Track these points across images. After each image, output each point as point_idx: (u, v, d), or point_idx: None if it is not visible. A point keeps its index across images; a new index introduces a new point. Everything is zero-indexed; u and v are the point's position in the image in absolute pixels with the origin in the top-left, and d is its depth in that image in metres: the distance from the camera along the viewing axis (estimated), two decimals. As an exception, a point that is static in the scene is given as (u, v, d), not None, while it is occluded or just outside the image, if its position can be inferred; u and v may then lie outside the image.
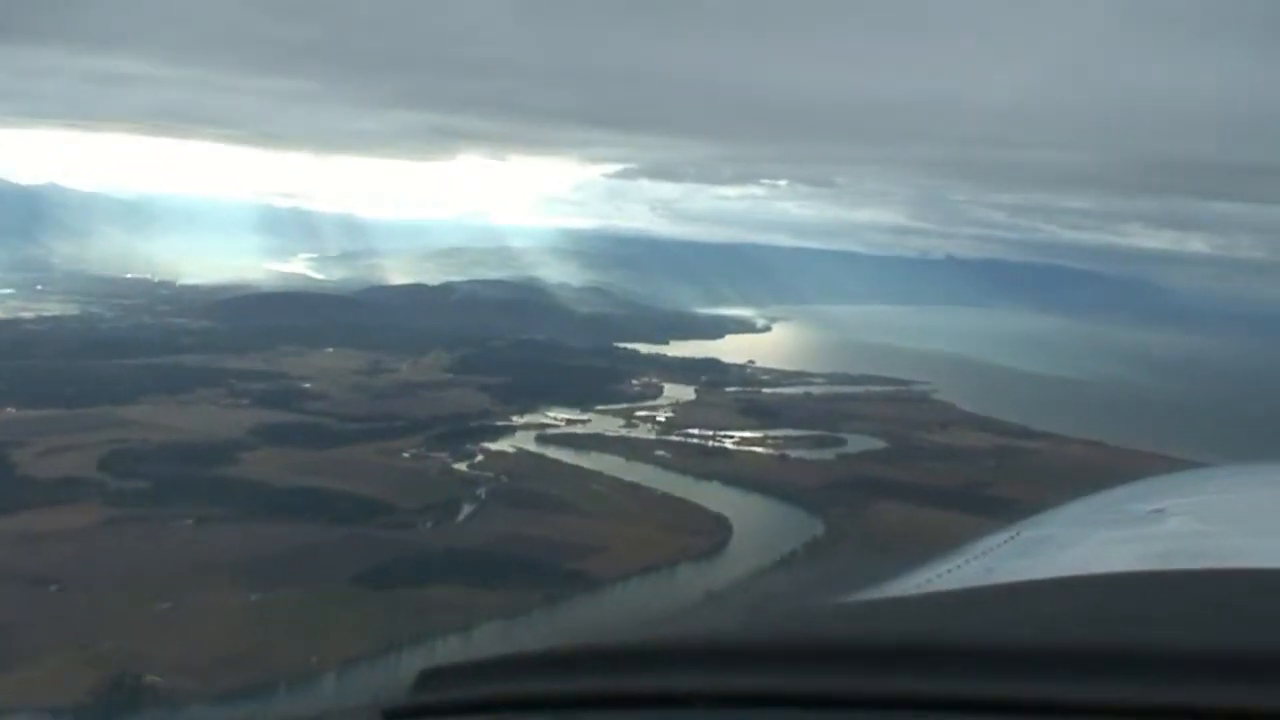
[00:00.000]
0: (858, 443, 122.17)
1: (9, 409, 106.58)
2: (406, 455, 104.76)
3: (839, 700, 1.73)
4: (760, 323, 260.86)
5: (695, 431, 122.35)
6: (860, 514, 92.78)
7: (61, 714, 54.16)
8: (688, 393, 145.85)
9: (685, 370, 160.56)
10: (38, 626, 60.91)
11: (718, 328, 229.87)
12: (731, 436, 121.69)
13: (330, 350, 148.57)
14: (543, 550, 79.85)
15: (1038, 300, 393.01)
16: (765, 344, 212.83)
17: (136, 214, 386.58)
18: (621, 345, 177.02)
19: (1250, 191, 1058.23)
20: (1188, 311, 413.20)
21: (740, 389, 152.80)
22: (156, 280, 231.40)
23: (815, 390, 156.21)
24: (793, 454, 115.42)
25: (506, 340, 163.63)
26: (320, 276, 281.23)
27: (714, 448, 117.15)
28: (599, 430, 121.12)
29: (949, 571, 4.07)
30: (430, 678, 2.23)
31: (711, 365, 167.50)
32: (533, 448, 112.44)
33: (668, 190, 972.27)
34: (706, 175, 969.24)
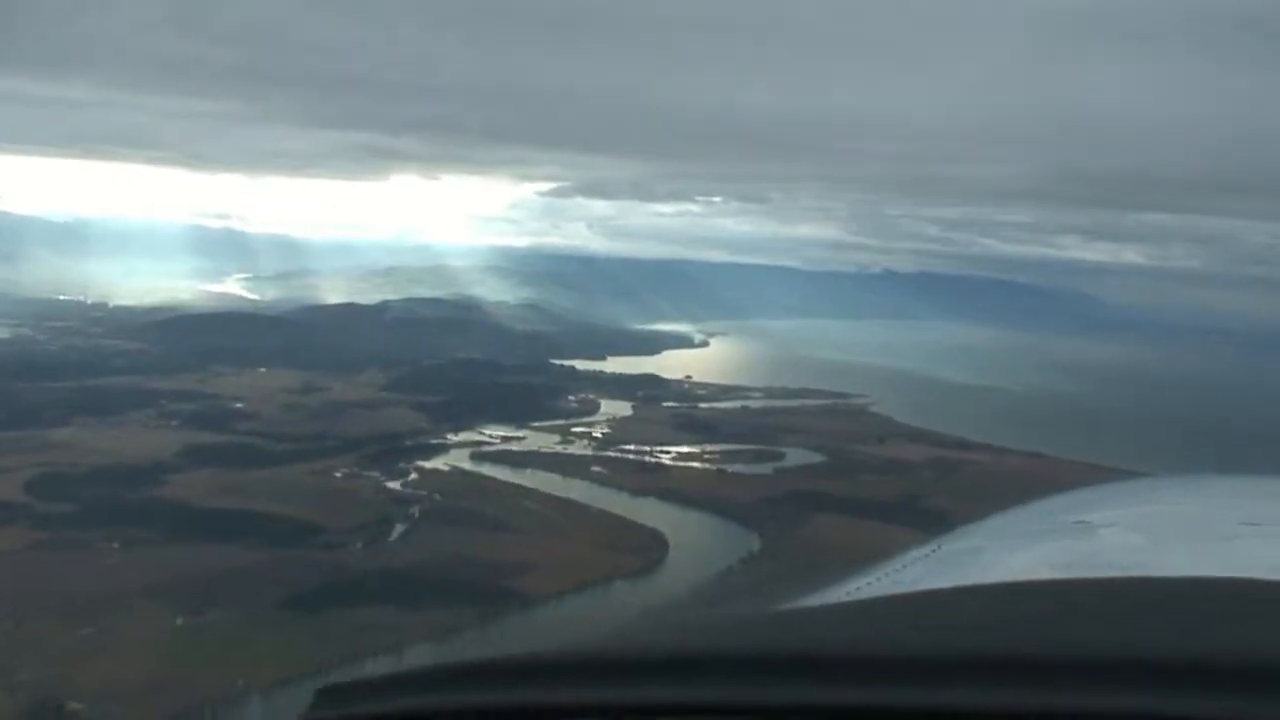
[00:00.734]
0: (795, 456, 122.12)
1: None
2: (339, 475, 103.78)
3: (727, 709, 1.73)
4: (698, 338, 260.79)
5: (632, 447, 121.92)
6: (797, 528, 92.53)
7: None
8: (625, 408, 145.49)
9: (622, 386, 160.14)
10: (-44, 653, 59.59)
11: (655, 343, 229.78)
12: (668, 452, 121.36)
13: (263, 370, 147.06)
14: (476, 569, 79.14)
15: (975, 313, 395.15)
16: (703, 359, 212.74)
17: (70, 237, 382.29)
18: (558, 362, 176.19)
19: (1183, 203, 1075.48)
20: (1123, 322, 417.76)
21: (677, 404, 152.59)
22: (89, 302, 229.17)
23: (753, 404, 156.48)
24: (730, 468, 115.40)
25: (442, 359, 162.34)
26: (254, 297, 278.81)
27: (651, 463, 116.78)
28: (535, 447, 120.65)
29: (865, 585, 3.96)
30: (328, 694, 2.23)
31: (649, 381, 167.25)
32: (467, 465, 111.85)
33: (603, 208, 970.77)
34: (641, 192, 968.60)
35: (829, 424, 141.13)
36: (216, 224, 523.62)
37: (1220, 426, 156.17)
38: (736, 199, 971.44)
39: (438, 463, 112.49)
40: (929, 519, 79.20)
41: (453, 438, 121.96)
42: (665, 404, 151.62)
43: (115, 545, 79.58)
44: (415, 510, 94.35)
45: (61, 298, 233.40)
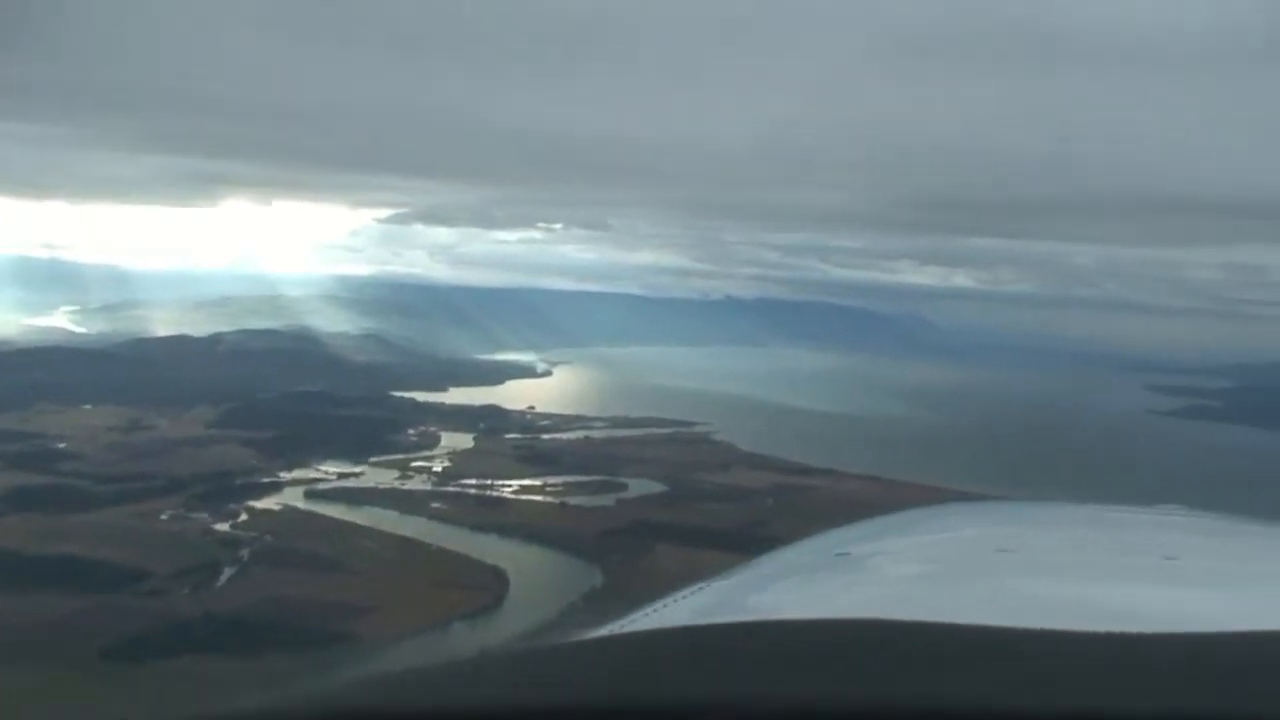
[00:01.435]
0: (638, 486, 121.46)
1: None
2: (164, 517, 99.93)
3: None
4: (541, 367, 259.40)
5: (473, 481, 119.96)
6: (639, 560, 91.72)
7: None
8: (466, 441, 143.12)
9: (464, 418, 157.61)
10: None
11: (498, 373, 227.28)
12: (510, 485, 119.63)
13: (88, 407, 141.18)
14: (309, 613, 76.77)
15: (814, 338, 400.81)
16: (546, 389, 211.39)
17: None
18: (398, 394, 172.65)
19: (1011, 228, 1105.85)
20: (955, 345, 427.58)
21: (520, 435, 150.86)
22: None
23: (596, 434, 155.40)
24: (572, 501, 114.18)
25: (277, 392, 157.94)
26: (81, 330, 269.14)
27: (492, 497, 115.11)
28: (372, 483, 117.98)
29: (622, 624, 3.96)
30: None
31: (491, 412, 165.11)
32: (301, 504, 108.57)
33: (444, 235, 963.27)
34: (483, 219, 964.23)
35: (672, 453, 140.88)
36: (43, 254, 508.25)
37: (1047, 445, 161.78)
38: (578, 225, 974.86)
39: (269, 502, 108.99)
40: (769, 546, 78.09)
41: (286, 475, 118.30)
42: (507, 436, 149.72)
43: (-77, 598, 75.37)
44: (245, 552, 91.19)
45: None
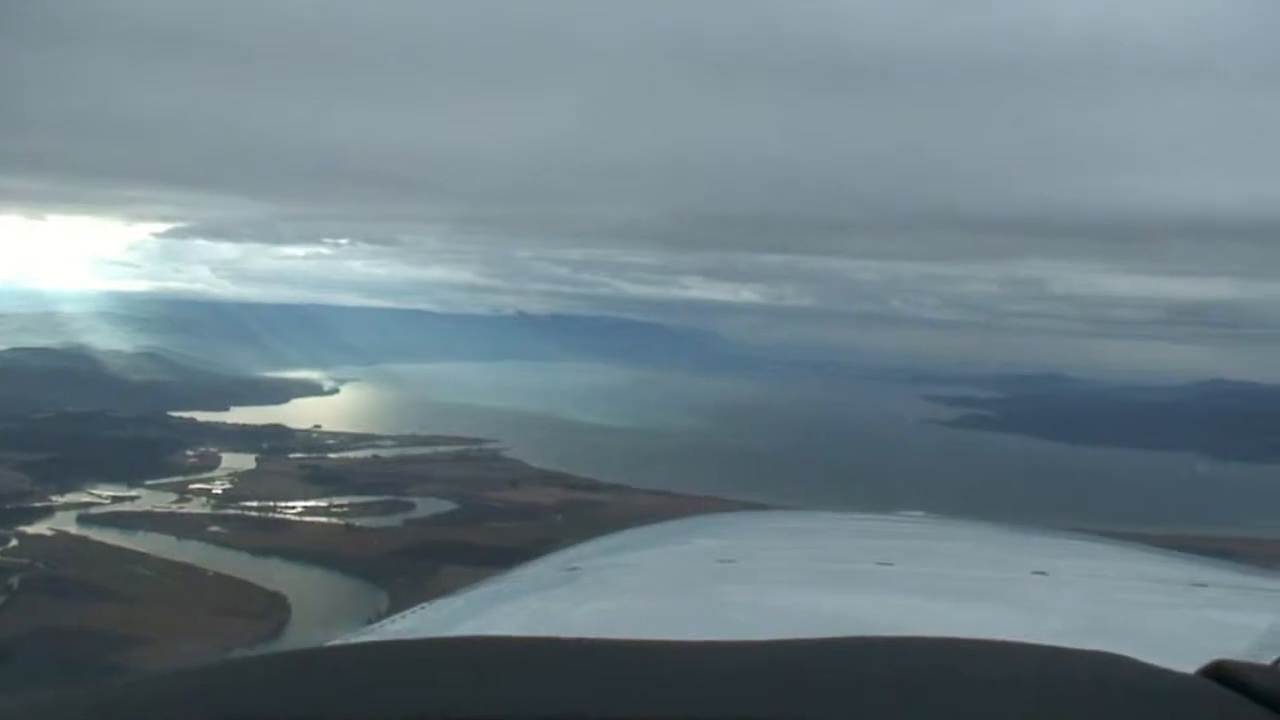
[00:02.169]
0: (427, 506, 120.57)
1: None
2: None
3: None
4: (328, 385, 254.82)
5: (255, 504, 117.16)
6: (425, 581, 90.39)
7: None
8: (248, 462, 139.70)
9: (246, 438, 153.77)
10: None
11: (283, 392, 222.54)
12: (294, 507, 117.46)
13: None
14: (80, 644, 74.10)
15: (605, 353, 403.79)
16: (333, 407, 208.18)
17: None
18: (177, 414, 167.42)
19: (796, 244, 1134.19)
20: (743, 358, 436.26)
21: (305, 455, 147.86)
22: None
23: (384, 453, 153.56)
24: (358, 522, 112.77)
25: (49, 413, 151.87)
26: None
27: (274, 520, 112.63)
28: (149, 507, 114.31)
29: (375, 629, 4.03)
30: None
31: (274, 432, 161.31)
32: (74, 530, 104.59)
33: (227, 250, 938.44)
34: (266, 235, 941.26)
35: (461, 471, 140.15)
36: None
37: (831, 455, 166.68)
38: (365, 241, 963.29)
39: (41, 527, 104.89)
40: (559, 564, 79.26)
41: (58, 499, 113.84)
42: (292, 456, 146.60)
43: None
44: (14, 580, 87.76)
45: None
